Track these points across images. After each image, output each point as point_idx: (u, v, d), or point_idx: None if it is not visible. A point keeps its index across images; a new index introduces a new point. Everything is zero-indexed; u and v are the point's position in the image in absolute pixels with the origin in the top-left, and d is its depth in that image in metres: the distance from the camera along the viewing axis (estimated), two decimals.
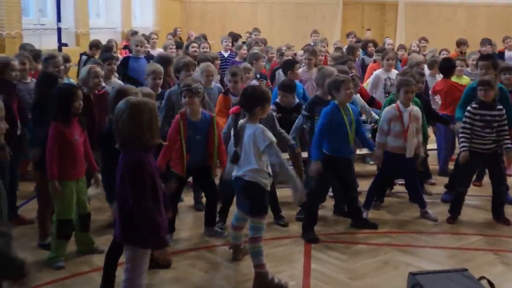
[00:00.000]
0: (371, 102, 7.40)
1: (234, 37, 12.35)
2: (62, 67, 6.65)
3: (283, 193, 6.33)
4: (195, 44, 9.67)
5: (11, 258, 2.84)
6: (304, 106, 6.34)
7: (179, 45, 10.40)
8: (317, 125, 5.69)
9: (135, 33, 11.65)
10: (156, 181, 3.52)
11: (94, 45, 9.56)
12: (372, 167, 7.74)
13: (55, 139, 4.75)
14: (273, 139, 4.50)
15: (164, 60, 7.13)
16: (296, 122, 6.25)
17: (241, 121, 4.62)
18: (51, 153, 4.75)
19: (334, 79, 5.60)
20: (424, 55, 10.21)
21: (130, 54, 8.65)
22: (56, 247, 4.92)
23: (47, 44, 9.57)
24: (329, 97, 5.74)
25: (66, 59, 7.27)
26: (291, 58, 8.84)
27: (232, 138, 4.77)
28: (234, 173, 4.75)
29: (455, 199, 6.16)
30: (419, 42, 11.72)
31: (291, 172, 4.52)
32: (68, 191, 4.86)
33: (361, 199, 6.17)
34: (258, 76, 7.98)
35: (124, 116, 3.41)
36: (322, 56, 9.89)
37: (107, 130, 4.63)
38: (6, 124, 3.02)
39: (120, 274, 3.99)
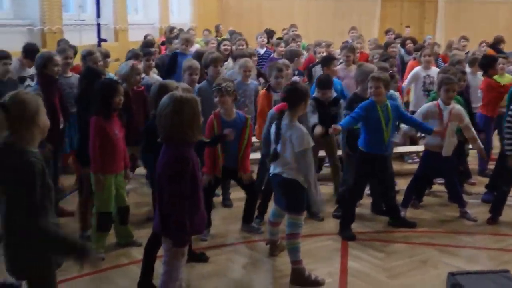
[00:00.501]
0: None
1: (269, 33, 12.32)
2: (101, 63, 6.74)
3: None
4: (227, 42, 9.66)
5: (62, 237, 2.91)
6: (344, 105, 6.25)
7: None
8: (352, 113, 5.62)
9: (172, 29, 11.76)
10: (197, 176, 3.55)
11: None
12: (410, 166, 7.66)
13: (97, 134, 4.82)
14: (310, 145, 4.49)
15: (201, 56, 7.17)
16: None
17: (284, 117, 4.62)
18: (94, 147, 4.82)
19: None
20: (466, 54, 10.01)
21: (178, 50, 8.77)
22: (96, 239, 5.00)
23: (86, 39, 9.75)
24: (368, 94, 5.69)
25: (106, 55, 7.37)
26: (329, 54, 8.76)
27: (272, 135, 4.75)
28: (271, 170, 4.75)
29: (497, 199, 6.04)
30: (459, 41, 11.49)
31: (313, 186, 4.49)
32: (107, 185, 4.94)
33: (400, 198, 6.10)
34: (296, 72, 7.95)
35: (167, 110, 3.45)
36: (357, 53, 9.78)
37: (149, 124, 4.70)
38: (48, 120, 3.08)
39: (159, 267, 4.03)
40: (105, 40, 10.19)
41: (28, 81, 6.85)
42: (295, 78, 7.10)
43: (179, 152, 3.45)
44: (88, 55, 6.62)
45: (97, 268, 3.03)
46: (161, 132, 3.52)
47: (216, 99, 5.30)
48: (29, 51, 6.90)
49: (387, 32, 12.60)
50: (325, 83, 6.34)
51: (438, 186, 6.84)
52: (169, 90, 4.08)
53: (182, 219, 3.47)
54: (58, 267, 3.13)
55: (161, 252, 3.94)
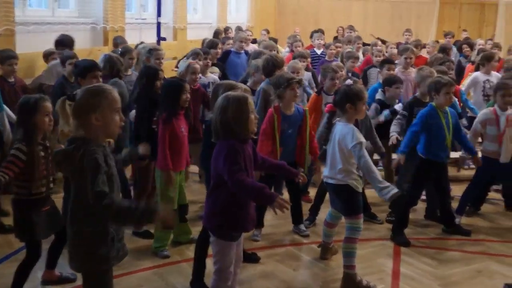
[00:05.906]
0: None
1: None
2: (163, 60, 6.86)
3: (373, 193, 6.25)
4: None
5: (126, 207, 2.89)
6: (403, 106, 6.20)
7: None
8: (412, 125, 5.58)
9: (227, 29, 11.95)
10: (248, 170, 3.57)
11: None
12: (466, 172, 7.49)
13: (166, 131, 4.86)
14: (363, 140, 4.40)
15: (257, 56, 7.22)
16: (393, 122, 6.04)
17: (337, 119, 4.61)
18: (163, 144, 4.84)
19: (435, 81, 5.47)
20: None
21: (232, 49, 8.89)
22: (160, 237, 5.06)
23: (146, 37, 9.95)
24: (428, 99, 5.62)
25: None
26: (388, 57, 8.68)
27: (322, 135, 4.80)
28: (324, 173, 4.73)
29: None
30: None
31: (376, 177, 4.32)
32: (174, 183, 4.98)
33: (454, 205, 5.98)
34: (350, 74, 7.91)
35: (219, 110, 3.54)
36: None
37: (209, 123, 4.78)
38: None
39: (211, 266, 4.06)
40: (164, 39, 10.35)
41: None
42: (348, 81, 7.05)
43: (229, 144, 3.50)
44: (154, 50, 6.79)
45: (168, 222, 2.94)
46: (214, 129, 3.60)
47: (291, 92, 5.25)
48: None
49: (446, 35, 12.36)
50: (391, 81, 6.33)
51: (495, 193, 6.68)
52: (225, 90, 4.09)
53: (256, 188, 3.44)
54: (117, 263, 3.17)
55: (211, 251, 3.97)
